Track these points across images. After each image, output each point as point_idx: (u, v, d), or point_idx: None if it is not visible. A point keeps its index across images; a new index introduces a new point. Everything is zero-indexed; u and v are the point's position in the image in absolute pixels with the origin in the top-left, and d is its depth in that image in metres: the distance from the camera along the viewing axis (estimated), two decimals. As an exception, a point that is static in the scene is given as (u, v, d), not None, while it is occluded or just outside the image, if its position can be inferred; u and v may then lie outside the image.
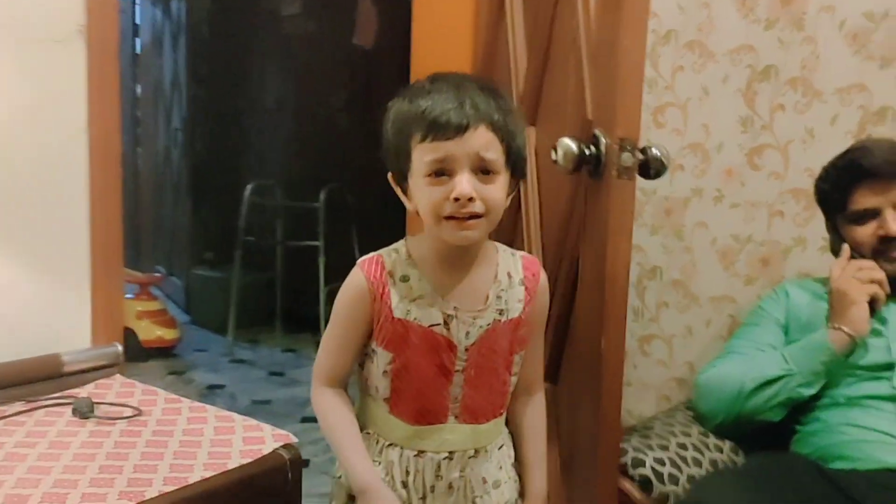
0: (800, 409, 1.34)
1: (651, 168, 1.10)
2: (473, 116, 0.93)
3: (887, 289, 1.32)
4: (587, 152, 1.10)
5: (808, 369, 1.30)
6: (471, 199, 0.92)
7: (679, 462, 1.27)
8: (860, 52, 1.56)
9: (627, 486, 1.24)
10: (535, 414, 1.11)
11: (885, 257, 1.34)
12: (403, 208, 2.06)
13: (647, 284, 1.87)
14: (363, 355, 1.04)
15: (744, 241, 1.73)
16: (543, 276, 1.08)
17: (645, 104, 1.76)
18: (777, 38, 1.63)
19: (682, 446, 1.31)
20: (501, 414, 1.07)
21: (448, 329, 0.99)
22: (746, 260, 1.73)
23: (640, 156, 1.08)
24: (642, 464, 1.25)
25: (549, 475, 1.31)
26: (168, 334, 3.50)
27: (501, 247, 1.06)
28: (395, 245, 1.04)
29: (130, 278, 3.49)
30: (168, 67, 4.66)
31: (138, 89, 5.13)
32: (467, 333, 1.00)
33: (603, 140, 1.09)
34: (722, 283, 1.76)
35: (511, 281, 1.03)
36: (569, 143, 1.10)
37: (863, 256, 1.36)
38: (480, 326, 1.01)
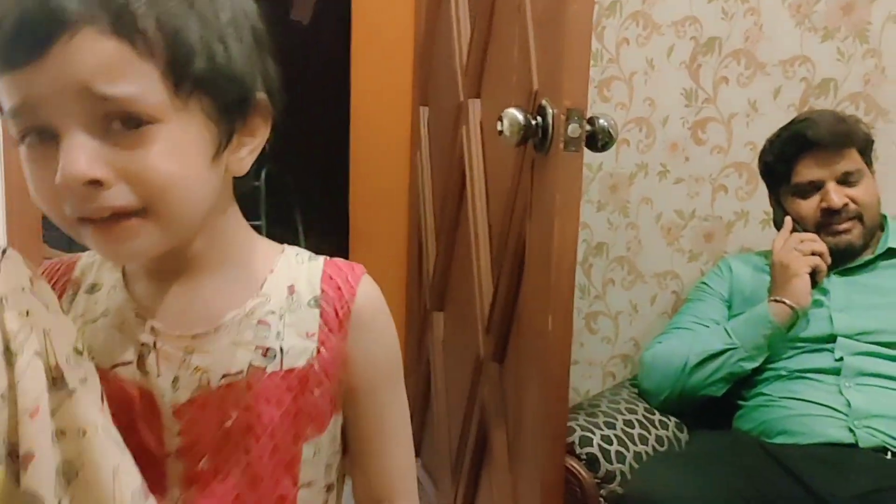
0: (743, 384, 1.35)
1: (599, 139, 1.06)
2: (76, 6, 0.47)
3: (828, 260, 1.32)
4: (533, 123, 1.06)
5: (751, 343, 1.30)
6: (95, 183, 0.49)
7: (625, 440, 1.26)
8: (803, 23, 1.56)
9: (574, 464, 1.22)
10: None
11: (827, 230, 1.35)
12: (345, 186, 1.98)
13: (592, 262, 1.85)
14: None
15: (688, 217, 1.72)
16: (368, 295, 0.65)
17: (590, 78, 1.73)
18: (721, 8, 1.62)
19: (629, 424, 1.30)
20: None
21: (144, 370, 0.58)
22: (690, 235, 1.73)
23: (588, 126, 1.05)
24: (590, 443, 1.23)
25: (496, 456, 1.29)
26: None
27: (292, 248, 0.66)
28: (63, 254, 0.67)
29: (55, 258, 3.33)
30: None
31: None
32: (176, 381, 0.58)
33: (550, 110, 1.05)
34: (666, 259, 1.76)
35: (294, 299, 0.62)
36: (515, 114, 1.06)
37: (805, 230, 1.36)
38: (204, 370, 0.58)
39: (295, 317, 0.61)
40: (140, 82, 0.49)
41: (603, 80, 1.75)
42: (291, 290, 0.62)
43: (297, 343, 0.60)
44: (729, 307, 1.44)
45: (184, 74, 0.50)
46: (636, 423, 1.31)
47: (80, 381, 0.52)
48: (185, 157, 0.52)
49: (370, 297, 0.64)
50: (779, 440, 1.24)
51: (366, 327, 0.63)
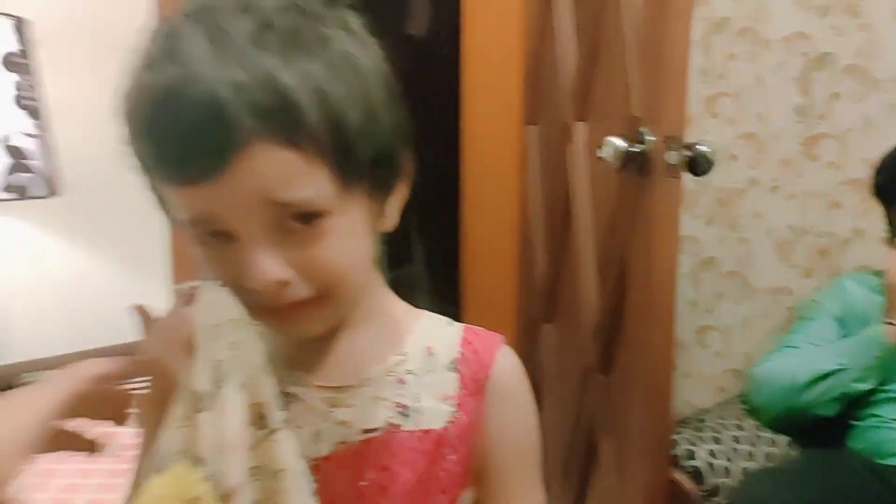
0: (856, 404, 1.34)
1: (699, 165, 1.11)
2: (245, 122, 0.47)
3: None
4: (633, 150, 1.12)
5: (862, 364, 1.29)
6: (281, 283, 0.51)
7: (732, 455, 1.29)
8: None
9: (679, 476, 1.26)
10: None
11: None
12: (457, 200, 2.08)
13: (702, 276, 1.86)
14: None
15: (801, 233, 1.71)
16: (506, 364, 0.64)
17: (697, 94, 1.75)
18: (832, 24, 1.60)
19: (736, 439, 1.32)
20: None
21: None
22: (804, 252, 1.71)
23: (687, 152, 1.09)
24: (695, 456, 1.26)
25: (603, 465, 1.35)
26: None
27: (428, 313, 0.67)
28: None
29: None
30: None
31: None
32: (318, 435, 0.58)
33: (649, 138, 1.11)
34: (779, 274, 1.75)
35: (431, 361, 0.62)
36: (615, 142, 1.13)
37: (921, 250, 1.34)
38: (346, 424, 0.58)
39: (433, 378, 0.60)
40: (313, 184, 0.49)
41: (710, 97, 1.77)
42: (430, 351, 0.62)
43: (434, 405, 0.59)
44: (842, 326, 1.43)
45: (349, 168, 0.51)
46: (744, 440, 1.33)
47: (283, 422, 0.51)
48: (353, 242, 0.53)
49: (510, 366, 0.63)
50: (890, 461, 1.22)
51: (504, 396, 0.62)
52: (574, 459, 1.50)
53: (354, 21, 0.53)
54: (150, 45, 0.50)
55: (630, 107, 1.20)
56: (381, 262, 0.61)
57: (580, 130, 1.49)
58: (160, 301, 0.65)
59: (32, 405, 0.51)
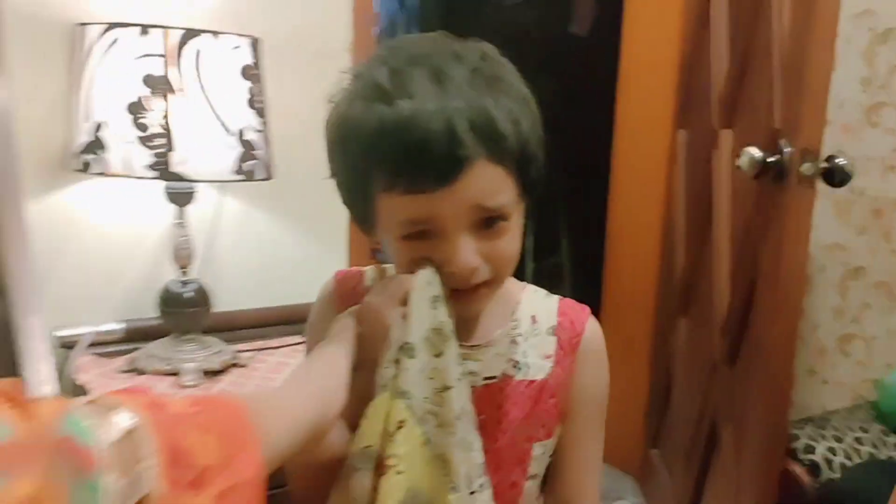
0: None
1: (836, 176, 1.17)
2: (472, 144, 0.60)
3: None
4: (770, 160, 1.20)
5: None
6: (473, 269, 0.66)
7: (852, 454, 1.33)
8: None
9: (796, 469, 1.33)
10: None
11: None
12: (605, 194, 2.17)
13: (849, 284, 1.86)
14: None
15: (959, 248, 1.67)
16: (594, 331, 0.79)
17: (858, 103, 1.75)
18: None
19: (859, 440, 1.37)
20: None
21: None
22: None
23: (824, 164, 1.16)
24: (813, 450, 1.33)
25: (724, 451, 1.43)
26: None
27: (532, 287, 0.82)
28: (385, 264, 0.80)
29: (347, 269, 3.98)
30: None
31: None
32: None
33: (786, 150, 1.18)
34: (931, 288, 1.72)
35: (535, 327, 0.77)
36: (752, 152, 1.21)
37: None
38: (474, 374, 0.73)
39: (536, 340, 0.76)
40: (506, 193, 0.64)
41: (871, 106, 1.76)
42: (533, 319, 0.77)
43: (538, 361, 0.75)
44: None
45: (526, 182, 0.66)
46: (867, 441, 1.37)
47: (462, 374, 0.67)
48: (517, 238, 0.68)
49: (596, 333, 0.79)
50: None
51: (590, 356, 0.77)
52: (696, 445, 1.59)
53: (510, 63, 0.69)
54: (371, 83, 0.62)
55: (772, 118, 1.28)
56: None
57: (725, 137, 1.57)
58: (339, 267, 0.84)
59: (340, 351, 0.65)
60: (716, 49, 1.67)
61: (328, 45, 1.56)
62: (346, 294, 0.78)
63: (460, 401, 0.65)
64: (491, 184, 0.62)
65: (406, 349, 0.64)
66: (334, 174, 0.69)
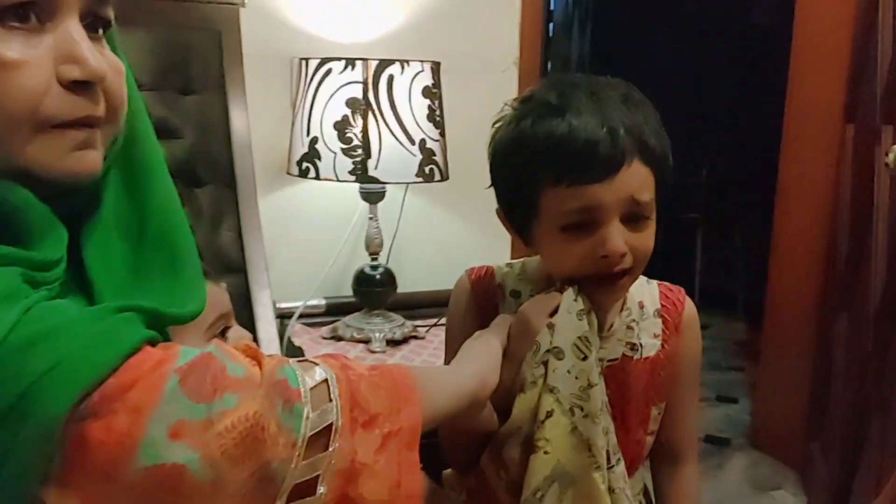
0: None
1: None
2: (628, 147, 0.74)
3: None
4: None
5: None
6: (622, 255, 0.76)
7: None
8: None
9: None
10: (681, 491, 0.93)
11: None
12: (774, 185, 2.14)
13: None
14: None
15: None
16: (690, 308, 0.91)
17: None
18: None
19: None
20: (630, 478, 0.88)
21: None
22: None
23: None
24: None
25: (873, 440, 1.46)
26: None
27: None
28: (509, 261, 0.93)
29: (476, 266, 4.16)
30: (575, 48, 5.23)
31: (548, 66, 5.84)
32: None
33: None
34: None
35: (644, 312, 0.88)
36: (900, 151, 1.25)
37: None
38: (600, 359, 0.83)
39: (646, 323, 0.87)
40: (651, 192, 0.76)
41: None
42: (641, 305, 0.87)
43: (649, 341, 0.87)
44: None
45: (663, 185, 0.78)
46: None
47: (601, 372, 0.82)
48: (652, 234, 0.78)
49: (692, 312, 0.90)
50: None
51: (690, 333, 0.89)
52: (849, 437, 1.62)
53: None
54: (541, 103, 0.75)
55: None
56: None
57: (887, 133, 1.57)
58: (504, 256, 1.01)
59: (496, 342, 0.78)
60: (882, 42, 1.66)
61: (498, 61, 1.76)
62: (479, 290, 0.90)
63: (602, 395, 0.79)
64: (642, 181, 0.75)
65: (555, 352, 0.78)
66: (498, 181, 0.82)
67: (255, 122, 1.48)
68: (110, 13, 0.58)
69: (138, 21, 1.34)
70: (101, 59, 0.54)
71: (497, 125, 0.81)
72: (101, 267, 0.56)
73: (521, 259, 0.91)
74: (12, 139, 0.51)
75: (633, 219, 0.75)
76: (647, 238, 0.77)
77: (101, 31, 0.57)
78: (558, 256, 0.79)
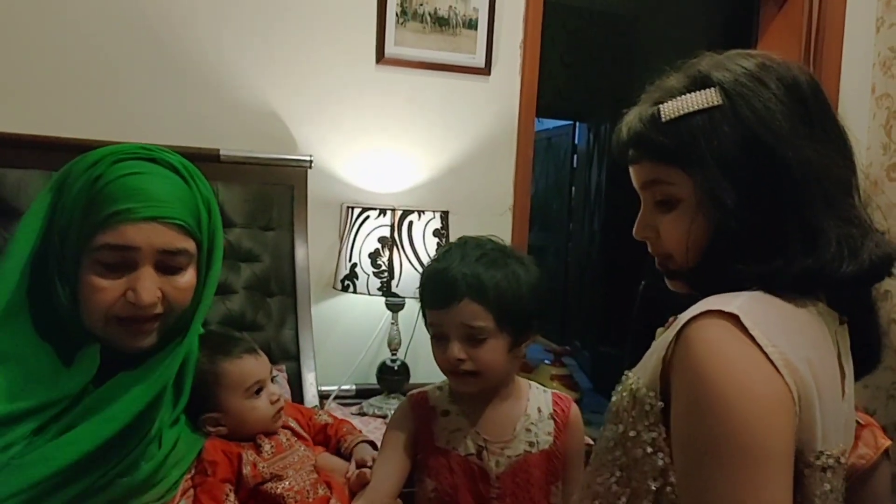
0: None
1: None
2: (461, 290, 1.03)
3: None
4: None
5: None
6: (460, 360, 1.05)
7: None
8: None
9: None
10: None
11: None
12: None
13: None
14: (415, 483, 1.16)
15: None
16: (575, 411, 1.17)
17: None
18: None
19: None
20: None
21: (480, 458, 1.10)
22: None
23: None
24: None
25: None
26: (570, 395, 4.44)
27: (535, 385, 1.19)
28: (439, 383, 1.19)
29: (548, 347, 4.56)
30: (594, 178, 5.76)
31: (573, 192, 6.38)
32: (497, 462, 1.10)
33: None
34: None
35: (541, 415, 1.14)
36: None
37: None
38: (509, 456, 1.09)
39: (542, 425, 1.12)
40: (483, 322, 1.04)
41: None
42: (538, 410, 1.14)
43: (544, 438, 1.12)
44: None
45: (501, 320, 1.04)
46: None
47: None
48: (495, 353, 1.05)
49: (576, 416, 1.17)
50: None
51: (573, 431, 1.16)
52: None
53: (527, 260, 1.11)
54: (443, 253, 1.10)
55: None
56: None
57: None
58: None
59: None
60: None
61: (496, 208, 2.30)
62: (417, 412, 1.17)
63: None
64: (474, 314, 1.05)
65: None
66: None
67: (312, 250, 2.00)
68: (178, 262, 0.95)
69: (238, 180, 1.90)
70: (152, 292, 0.91)
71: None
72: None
73: (445, 381, 1.18)
74: (95, 326, 0.92)
75: (469, 339, 1.06)
76: (483, 352, 1.06)
77: (174, 272, 0.94)
78: (435, 356, 1.12)
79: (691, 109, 0.76)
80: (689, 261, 0.80)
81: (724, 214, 0.74)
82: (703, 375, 0.67)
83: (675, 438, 0.70)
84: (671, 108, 0.77)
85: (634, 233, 0.86)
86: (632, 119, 0.81)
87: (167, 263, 0.96)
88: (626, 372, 0.80)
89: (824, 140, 0.75)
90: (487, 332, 1.06)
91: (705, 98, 0.75)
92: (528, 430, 1.12)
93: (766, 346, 0.67)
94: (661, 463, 0.71)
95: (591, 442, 1.23)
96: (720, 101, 0.75)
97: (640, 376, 0.77)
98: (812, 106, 0.75)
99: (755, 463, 0.63)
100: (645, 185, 0.82)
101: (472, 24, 2.18)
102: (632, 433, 0.74)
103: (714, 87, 0.76)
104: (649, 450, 0.72)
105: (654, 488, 0.71)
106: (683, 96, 0.77)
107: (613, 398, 0.79)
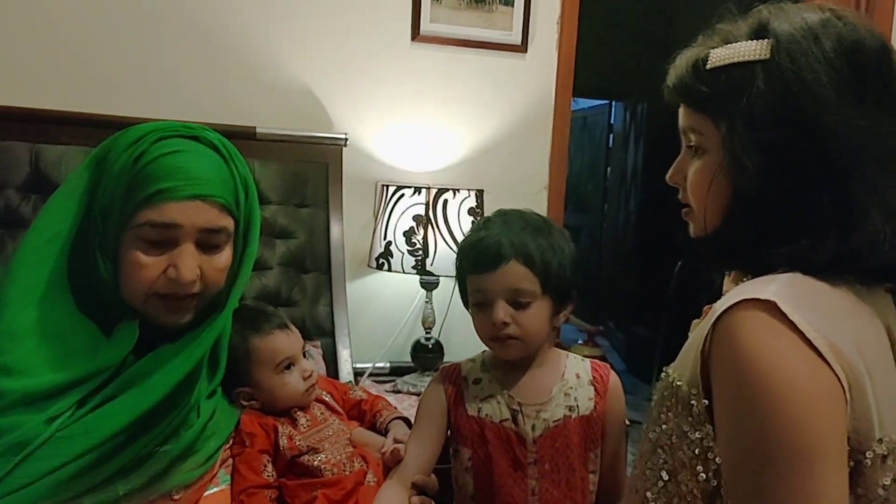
0: None
1: None
2: (508, 252, 1.04)
3: None
4: None
5: None
6: (505, 324, 1.06)
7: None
8: None
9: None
10: None
11: None
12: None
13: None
14: (450, 456, 1.17)
15: None
16: (614, 378, 1.17)
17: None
18: None
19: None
20: None
21: (516, 423, 1.10)
22: None
23: None
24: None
25: None
26: (604, 372, 4.45)
27: (572, 355, 1.20)
28: (475, 356, 1.21)
29: (581, 327, 4.55)
30: (630, 159, 5.70)
31: (608, 172, 6.32)
32: (533, 426, 1.10)
33: None
34: None
35: (580, 380, 1.15)
36: None
37: None
38: (546, 420, 1.09)
39: (582, 390, 1.13)
40: (530, 284, 1.05)
41: None
42: (577, 376, 1.14)
43: (585, 403, 1.12)
44: None
45: (546, 281, 1.06)
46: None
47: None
48: (539, 317, 1.07)
49: (616, 382, 1.17)
50: None
51: (614, 398, 1.15)
52: None
53: (565, 232, 1.13)
54: (483, 222, 1.12)
55: None
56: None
57: None
58: None
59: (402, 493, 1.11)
60: None
61: (531, 187, 2.29)
62: (448, 381, 1.17)
63: None
64: (521, 276, 1.06)
65: None
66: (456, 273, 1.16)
67: (347, 228, 2.03)
68: (218, 240, 0.96)
69: (274, 157, 1.93)
70: (193, 270, 0.92)
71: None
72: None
73: (482, 351, 1.20)
74: (135, 301, 0.93)
75: (514, 303, 1.07)
76: (529, 316, 1.08)
77: (213, 250, 0.95)
78: (476, 325, 1.13)
79: (736, 60, 0.72)
80: (708, 222, 0.77)
81: (744, 178, 0.71)
82: (743, 374, 0.63)
83: (720, 438, 0.67)
84: (718, 56, 0.73)
85: (668, 177, 0.85)
86: (680, 62, 0.79)
87: (207, 241, 0.97)
88: (664, 369, 0.77)
89: (878, 113, 0.68)
90: (533, 296, 1.07)
91: (753, 49, 0.71)
92: (567, 395, 1.12)
93: (808, 332, 0.63)
94: (713, 465, 0.68)
95: (628, 423, 1.24)
96: (767, 55, 0.70)
97: (680, 373, 0.73)
98: (871, 73, 0.69)
99: (807, 463, 0.60)
100: (683, 130, 0.80)
101: (508, 1, 2.16)
102: (676, 434, 0.71)
103: (768, 38, 0.71)
104: (697, 451, 0.69)
105: (708, 489, 0.68)
106: (733, 45, 0.73)
107: (654, 397, 0.77)
